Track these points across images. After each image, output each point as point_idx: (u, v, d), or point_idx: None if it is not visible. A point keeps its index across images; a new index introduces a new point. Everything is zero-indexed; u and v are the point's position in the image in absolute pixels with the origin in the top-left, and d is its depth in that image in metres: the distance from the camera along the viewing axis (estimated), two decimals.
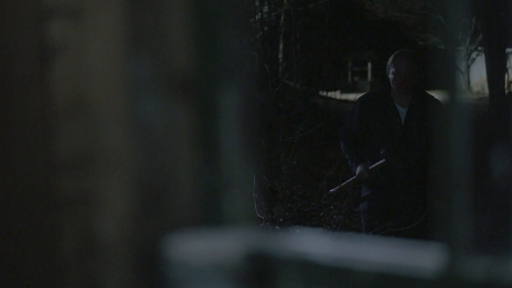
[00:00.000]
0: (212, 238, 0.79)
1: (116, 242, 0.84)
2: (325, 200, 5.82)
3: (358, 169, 3.94)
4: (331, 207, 5.74)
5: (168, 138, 0.84)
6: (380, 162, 3.83)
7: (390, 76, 4.00)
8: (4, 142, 0.93)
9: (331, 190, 4.32)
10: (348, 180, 4.04)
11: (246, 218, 0.82)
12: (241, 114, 0.82)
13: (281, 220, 6.44)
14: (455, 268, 0.66)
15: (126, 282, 0.83)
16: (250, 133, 0.83)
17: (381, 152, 3.84)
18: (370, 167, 3.88)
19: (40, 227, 0.91)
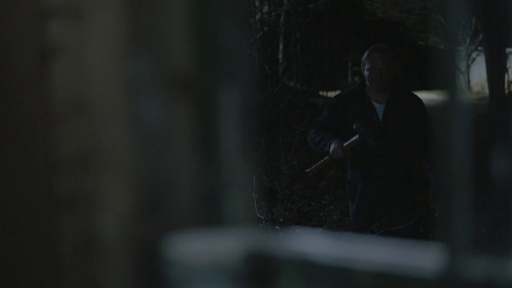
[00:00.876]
0: (212, 238, 0.79)
1: (116, 242, 0.84)
2: (325, 200, 5.82)
3: (332, 147, 3.68)
4: (331, 207, 5.74)
5: (168, 138, 0.84)
6: (354, 138, 3.60)
7: (365, 72, 3.80)
8: (4, 142, 0.93)
9: (306, 170, 4.05)
10: (323, 160, 3.83)
11: (246, 218, 0.82)
12: (241, 114, 0.82)
13: (281, 220, 6.44)
14: (455, 268, 0.66)
15: (126, 282, 0.83)
16: (250, 133, 0.83)
17: (354, 127, 3.62)
18: (344, 144, 3.63)
19: (40, 227, 0.91)
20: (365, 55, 3.82)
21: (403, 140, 3.70)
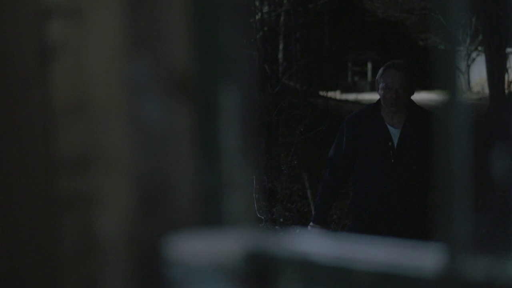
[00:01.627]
0: (212, 238, 0.79)
1: (116, 242, 0.84)
2: None
3: (311, 225, 3.44)
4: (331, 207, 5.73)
5: (168, 138, 0.84)
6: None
7: (380, 92, 3.37)
8: (4, 142, 0.93)
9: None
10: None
11: (246, 218, 0.82)
12: (241, 114, 0.82)
13: (281, 220, 6.45)
14: (455, 268, 0.66)
15: (126, 282, 0.83)
16: (250, 133, 0.83)
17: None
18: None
19: (40, 227, 0.91)
20: (379, 72, 3.43)
21: (419, 169, 3.32)
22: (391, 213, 3.31)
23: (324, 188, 3.46)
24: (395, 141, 3.34)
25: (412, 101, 3.41)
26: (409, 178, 3.33)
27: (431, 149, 3.06)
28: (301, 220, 6.46)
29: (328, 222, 3.33)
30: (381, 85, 3.37)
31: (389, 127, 3.38)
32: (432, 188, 3.35)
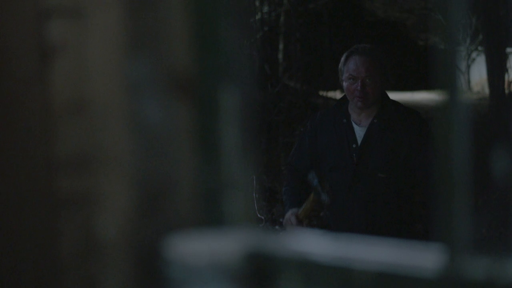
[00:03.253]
0: (212, 238, 0.79)
1: (116, 242, 0.84)
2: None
3: (285, 217, 2.78)
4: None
5: (168, 138, 0.84)
6: (308, 200, 2.68)
7: (344, 84, 2.72)
8: (4, 142, 0.93)
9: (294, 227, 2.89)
10: (305, 203, 2.75)
11: (246, 218, 0.82)
12: (241, 114, 0.82)
13: (281, 220, 6.45)
14: (455, 268, 0.66)
15: (126, 282, 0.83)
16: (250, 133, 0.83)
17: (308, 177, 2.64)
18: (298, 212, 2.70)
19: (40, 227, 0.91)
20: (342, 59, 2.76)
21: (389, 178, 2.68)
22: (353, 230, 2.68)
23: (286, 187, 2.90)
24: (360, 141, 2.72)
25: (385, 94, 2.79)
26: (374, 188, 2.69)
27: (410, 155, 2.65)
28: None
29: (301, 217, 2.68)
30: (344, 75, 2.71)
31: (355, 126, 2.75)
32: (410, 203, 2.76)
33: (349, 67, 2.70)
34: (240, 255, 0.76)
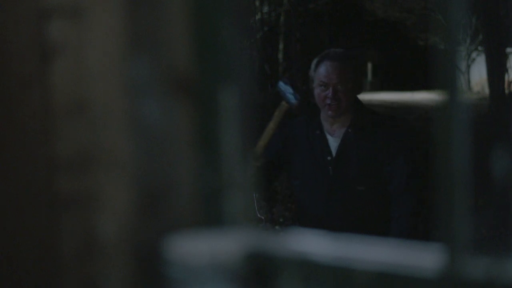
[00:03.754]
0: (212, 238, 0.79)
1: (116, 242, 0.84)
2: None
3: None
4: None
5: (168, 138, 0.84)
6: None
7: (314, 91, 2.55)
8: (4, 142, 0.93)
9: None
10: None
11: (246, 218, 0.82)
12: (241, 114, 0.82)
13: (281, 220, 6.45)
14: (455, 268, 0.66)
15: (126, 282, 0.83)
16: (250, 133, 0.83)
17: (277, 85, 2.48)
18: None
19: (40, 227, 0.91)
20: (312, 65, 2.58)
21: (369, 191, 2.54)
22: None
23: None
24: (334, 153, 2.56)
25: (359, 102, 2.61)
26: (353, 202, 2.54)
27: (388, 165, 2.51)
28: None
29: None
30: (315, 82, 2.55)
31: (329, 137, 2.59)
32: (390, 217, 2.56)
33: (320, 73, 2.52)
34: (240, 255, 0.76)
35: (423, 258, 0.68)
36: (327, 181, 2.55)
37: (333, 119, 2.56)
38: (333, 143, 2.57)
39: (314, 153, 2.58)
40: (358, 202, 2.54)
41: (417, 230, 2.58)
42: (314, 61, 2.58)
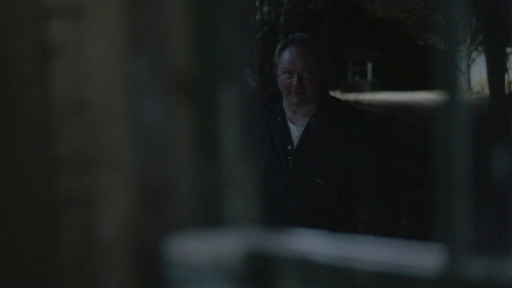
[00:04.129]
0: (212, 238, 0.79)
1: (116, 242, 0.84)
2: None
3: None
4: None
5: (168, 138, 0.84)
6: None
7: (278, 78, 2.44)
8: (4, 142, 0.93)
9: None
10: None
11: (246, 218, 0.82)
12: (241, 114, 0.82)
13: None
14: (455, 268, 0.66)
15: (126, 282, 0.83)
16: (250, 133, 0.83)
17: None
18: None
19: (40, 227, 0.91)
20: (276, 51, 2.45)
21: (328, 185, 2.39)
22: None
23: None
24: (296, 143, 2.42)
25: (325, 90, 2.49)
26: (311, 195, 2.40)
27: (352, 160, 2.39)
28: None
29: None
30: (278, 68, 2.42)
31: (291, 125, 2.45)
32: (353, 213, 2.48)
33: (284, 59, 2.39)
34: (240, 255, 0.76)
35: (423, 258, 0.68)
36: (286, 172, 2.42)
37: (297, 107, 2.42)
38: (295, 132, 2.43)
39: (273, 142, 2.45)
40: (316, 195, 2.40)
41: (398, 228, 2.50)
42: (278, 47, 2.46)
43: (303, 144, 2.42)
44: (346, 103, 2.56)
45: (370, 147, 2.41)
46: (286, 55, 2.40)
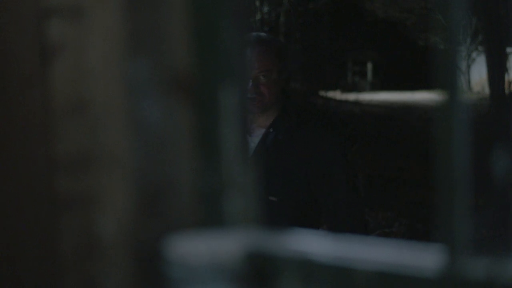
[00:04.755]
0: (212, 238, 0.79)
1: (116, 242, 0.84)
2: None
3: None
4: None
5: (168, 138, 0.84)
6: None
7: None
8: (4, 142, 0.93)
9: None
10: None
11: (246, 218, 0.82)
12: (241, 114, 0.82)
13: None
14: (455, 268, 0.66)
15: (126, 282, 0.83)
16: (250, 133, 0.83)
17: None
18: None
19: (40, 227, 0.91)
20: None
21: (286, 204, 2.13)
22: None
23: None
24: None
25: (286, 97, 2.18)
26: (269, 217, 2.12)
27: (311, 179, 2.12)
28: None
29: None
30: None
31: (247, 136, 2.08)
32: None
33: None
34: (240, 255, 0.76)
35: (423, 258, 0.68)
36: None
37: (255, 115, 2.13)
38: (250, 143, 2.12)
39: None
40: (269, 214, 2.07)
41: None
42: None
43: (257, 157, 2.15)
44: (310, 111, 2.23)
45: (336, 163, 2.14)
46: None
